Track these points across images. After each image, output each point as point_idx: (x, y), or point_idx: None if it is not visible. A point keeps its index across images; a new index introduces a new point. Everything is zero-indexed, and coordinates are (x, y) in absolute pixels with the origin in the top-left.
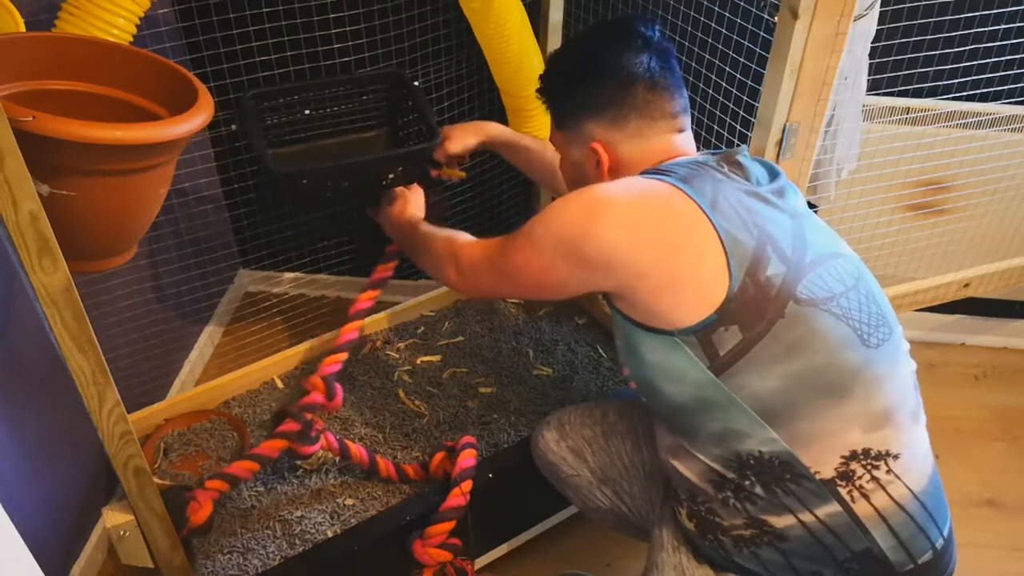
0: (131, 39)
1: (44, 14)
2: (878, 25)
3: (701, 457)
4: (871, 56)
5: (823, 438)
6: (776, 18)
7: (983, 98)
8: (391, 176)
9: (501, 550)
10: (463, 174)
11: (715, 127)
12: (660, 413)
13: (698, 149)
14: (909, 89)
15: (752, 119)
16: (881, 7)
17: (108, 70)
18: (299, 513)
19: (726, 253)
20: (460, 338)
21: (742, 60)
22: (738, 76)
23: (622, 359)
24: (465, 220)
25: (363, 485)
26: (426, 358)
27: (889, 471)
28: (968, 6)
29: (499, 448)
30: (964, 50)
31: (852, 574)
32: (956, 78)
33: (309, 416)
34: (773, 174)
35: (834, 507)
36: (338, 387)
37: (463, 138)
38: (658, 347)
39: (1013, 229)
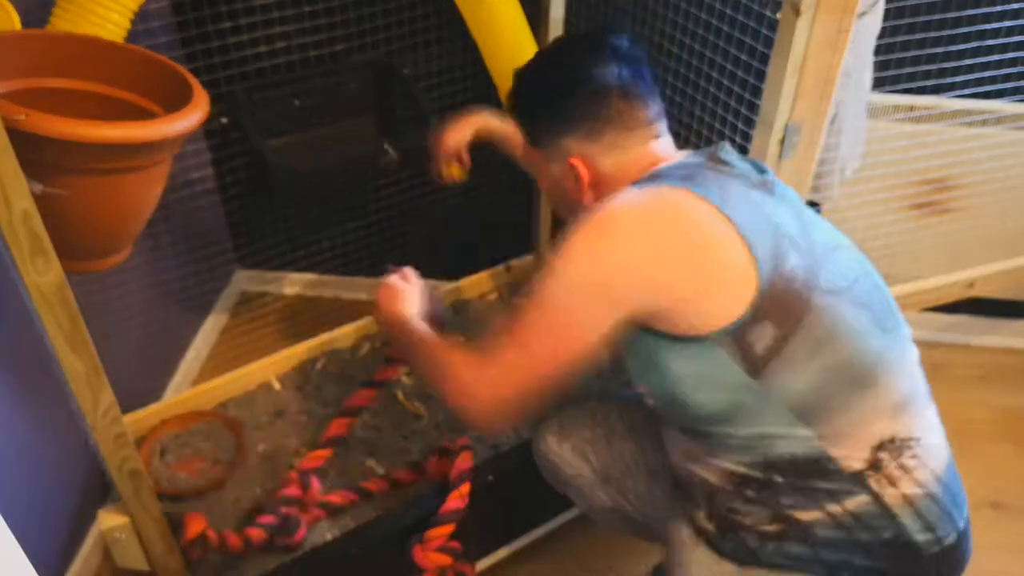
0: (125, 34)
1: (38, 11)
2: (882, 22)
3: (724, 462)
4: (875, 53)
5: (855, 430)
6: (779, 15)
7: (988, 96)
8: (386, 154)
9: (501, 553)
10: (462, 175)
11: (717, 125)
12: (683, 424)
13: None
14: (913, 87)
15: (755, 117)
16: (885, 4)
17: (103, 68)
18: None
19: (748, 247)
20: (460, 338)
21: (744, 58)
22: (740, 74)
23: (637, 377)
24: (464, 221)
25: (362, 486)
26: None
27: (914, 455)
28: (972, 3)
29: (499, 450)
30: (968, 47)
31: (881, 560)
32: (960, 76)
33: (285, 510)
34: (759, 169)
35: (863, 498)
36: (314, 480)
37: (460, 130)
38: (690, 355)
39: (1018, 228)
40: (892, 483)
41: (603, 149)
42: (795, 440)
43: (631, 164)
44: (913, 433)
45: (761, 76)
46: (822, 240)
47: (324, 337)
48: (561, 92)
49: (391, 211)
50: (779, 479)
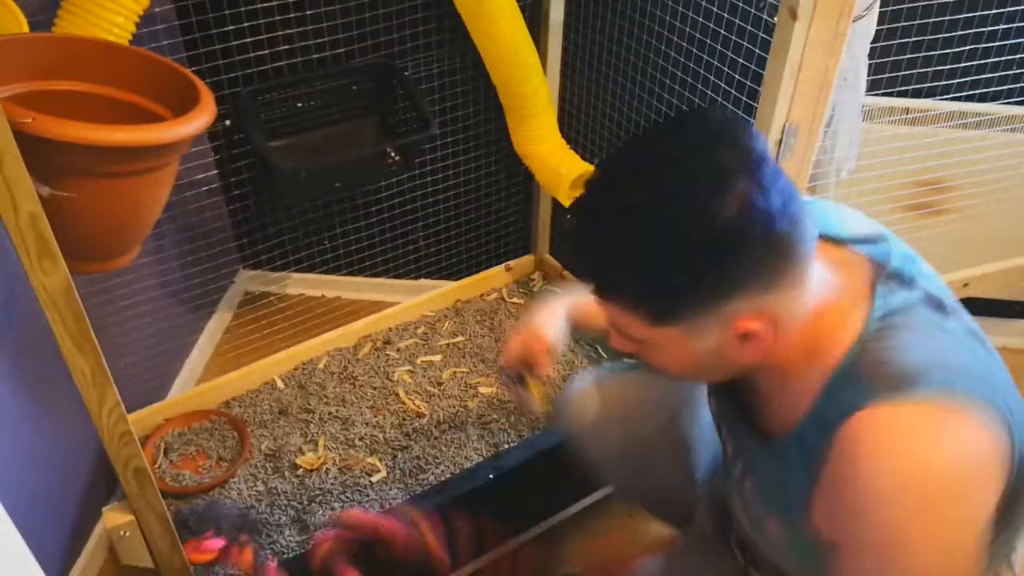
0: (131, 37)
1: (44, 14)
2: (877, 25)
3: None
4: (871, 56)
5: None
6: (775, 19)
7: (982, 98)
8: (388, 155)
9: (501, 550)
10: (545, 400)
11: None
12: None
13: None
14: (908, 89)
15: (752, 120)
16: (880, 7)
17: (110, 70)
18: (300, 513)
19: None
20: (460, 338)
21: (741, 60)
22: (737, 77)
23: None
24: (464, 221)
25: (363, 485)
26: (426, 358)
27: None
28: (967, 6)
29: (499, 448)
30: (963, 50)
31: None
32: (955, 78)
33: None
34: (922, 277)
35: None
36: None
37: (550, 326)
38: None
39: (1012, 229)
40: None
41: (784, 292)
42: None
43: (807, 296)
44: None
45: (758, 79)
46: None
47: (327, 336)
48: (708, 245)
49: (392, 211)
50: None
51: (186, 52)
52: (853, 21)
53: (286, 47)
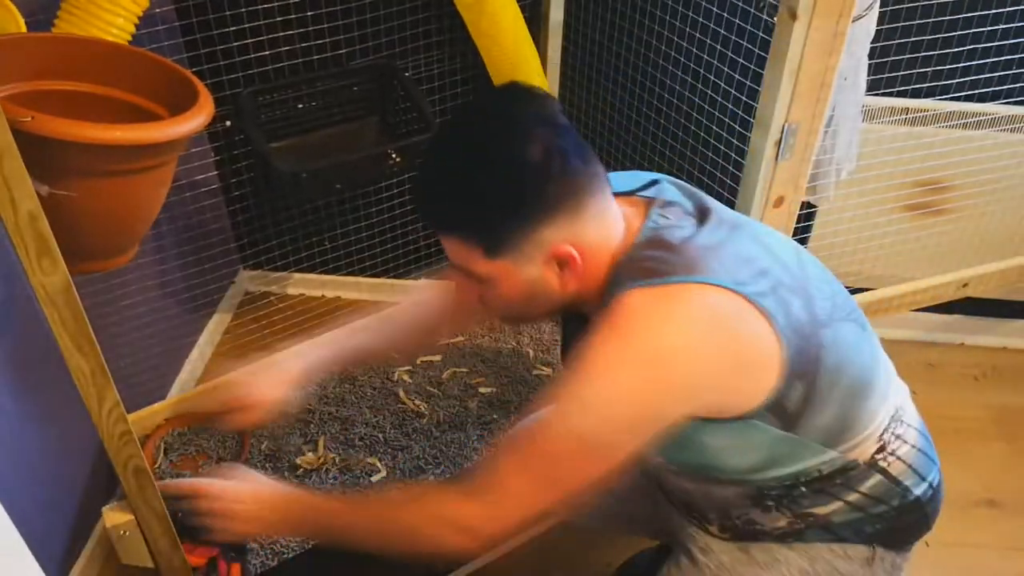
0: (130, 38)
1: (43, 14)
2: (877, 26)
3: (743, 488)
4: (870, 56)
5: (870, 431)
6: (775, 19)
7: (982, 98)
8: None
9: (501, 550)
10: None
11: (714, 128)
12: (705, 477)
13: (690, 150)
14: (908, 89)
15: (751, 119)
16: (880, 7)
17: (109, 70)
18: None
19: (769, 319)
20: (460, 338)
21: (741, 60)
22: (737, 76)
23: (664, 455)
24: None
25: (364, 485)
26: (426, 358)
27: (901, 420)
28: (967, 7)
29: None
30: (963, 50)
31: (889, 521)
32: (955, 78)
33: None
34: (697, 200)
35: (876, 477)
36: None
37: (268, 394)
38: (728, 431)
39: (1012, 229)
40: (894, 454)
41: (585, 224)
42: (824, 462)
43: (608, 229)
44: (897, 403)
45: (758, 79)
46: (792, 263)
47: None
48: (521, 177)
49: (392, 211)
50: (802, 489)
51: (186, 53)
52: (853, 21)
53: (286, 48)
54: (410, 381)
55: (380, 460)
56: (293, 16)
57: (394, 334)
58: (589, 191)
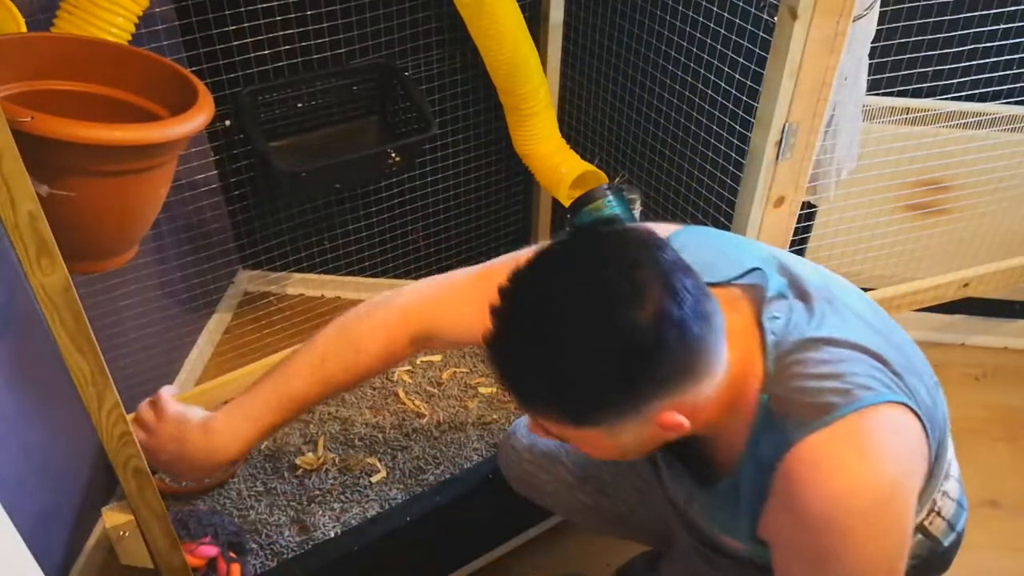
0: (130, 37)
1: (43, 13)
2: (878, 25)
3: None
4: (871, 56)
5: (931, 496)
6: (775, 19)
7: (982, 98)
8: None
9: (501, 550)
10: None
11: (715, 127)
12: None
13: (692, 152)
14: (909, 89)
15: (752, 119)
16: (881, 7)
17: (108, 70)
18: (299, 513)
19: (920, 419)
20: None
21: (741, 60)
22: (737, 76)
23: (752, 555)
24: (463, 221)
25: (363, 485)
26: (426, 358)
27: (948, 475)
28: (967, 6)
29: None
30: (963, 50)
31: (914, 571)
32: (955, 78)
33: None
34: (785, 272)
35: (916, 538)
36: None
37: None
38: None
39: (1013, 229)
40: (939, 513)
41: (700, 387)
42: None
43: (724, 375)
44: (948, 454)
45: (758, 79)
46: (880, 324)
47: None
48: (623, 361)
49: (392, 211)
50: None
51: (186, 52)
52: (853, 21)
53: (286, 47)
54: (410, 381)
55: (380, 460)
56: (293, 15)
57: (352, 371)
58: (706, 353)
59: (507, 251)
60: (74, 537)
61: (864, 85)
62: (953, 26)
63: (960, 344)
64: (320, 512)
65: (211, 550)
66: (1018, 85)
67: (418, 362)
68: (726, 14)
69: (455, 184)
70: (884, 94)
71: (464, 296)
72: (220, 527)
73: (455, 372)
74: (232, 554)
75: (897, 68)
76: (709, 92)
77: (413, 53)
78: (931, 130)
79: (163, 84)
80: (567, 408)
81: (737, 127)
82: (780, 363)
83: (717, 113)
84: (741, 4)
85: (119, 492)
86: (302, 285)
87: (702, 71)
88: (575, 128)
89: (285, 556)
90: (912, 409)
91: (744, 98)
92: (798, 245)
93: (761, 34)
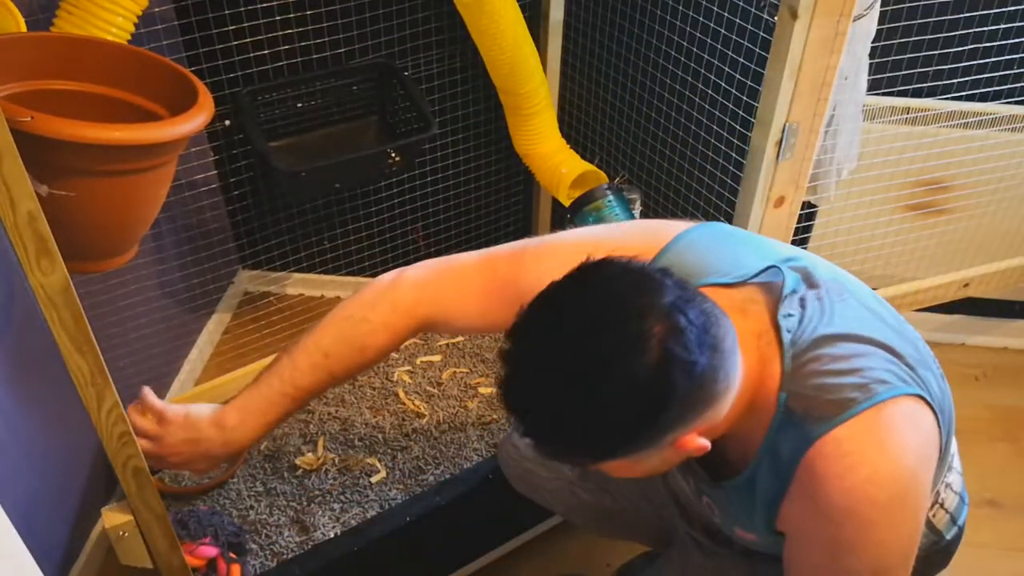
0: (129, 37)
1: (43, 13)
2: (878, 25)
3: None
4: (871, 56)
5: (935, 488)
6: (775, 18)
7: (983, 98)
8: (388, 155)
9: (501, 550)
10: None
11: (715, 127)
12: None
13: (692, 153)
14: (909, 89)
15: (752, 119)
16: (881, 7)
17: (108, 70)
18: (299, 514)
19: (933, 410)
20: (460, 338)
21: (741, 60)
22: (737, 76)
23: (766, 549)
24: (463, 220)
25: (363, 485)
26: (426, 358)
27: (950, 467)
28: (968, 6)
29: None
30: (964, 50)
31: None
32: (956, 78)
33: None
34: (793, 261)
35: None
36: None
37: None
38: None
39: (1013, 229)
40: (942, 506)
41: (718, 410)
42: None
43: (739, 387)
44: (952, 446)
45: (758, 78)
46: (889, 317)
47: None
48: (631, 408)
49: (392, 211)
50: None
51: (186, 52)
52: (853, 20)
53: (286, 47)
54: (410, 381)
55: (380, 460)
56: (292, 15)
57: (353, 358)
58: (718, 380)
59: None
60: (74, 537)
61: (864, 85)
62: (953, 26)
63: (960, 344)
64: (320, 512)
65: (211, 550)
66: (1018, 85)
67: (418, 362)
68: (726, 14)
69: (455, 184)
70: (884, 94)
71: (469, 288)
72: (220, 527)
73: (455, 372)
74: (232, 554)
75: (897, 68)
76: (709, 92)
77: (413, 53)
78: (931, 130)
79: (163, 84)
80: (583, 456)
81: (737, 127)
82: (797, 361)
83: (717, 113)
84: (741, 4)
85: (119, 492)
86: (302, 285)
87: (702, 71)
88: (575, 128)
89: (285, 556)
90: (926, 400)
91: (744, 98)
92: (798, 245)
93: (761, 34)
